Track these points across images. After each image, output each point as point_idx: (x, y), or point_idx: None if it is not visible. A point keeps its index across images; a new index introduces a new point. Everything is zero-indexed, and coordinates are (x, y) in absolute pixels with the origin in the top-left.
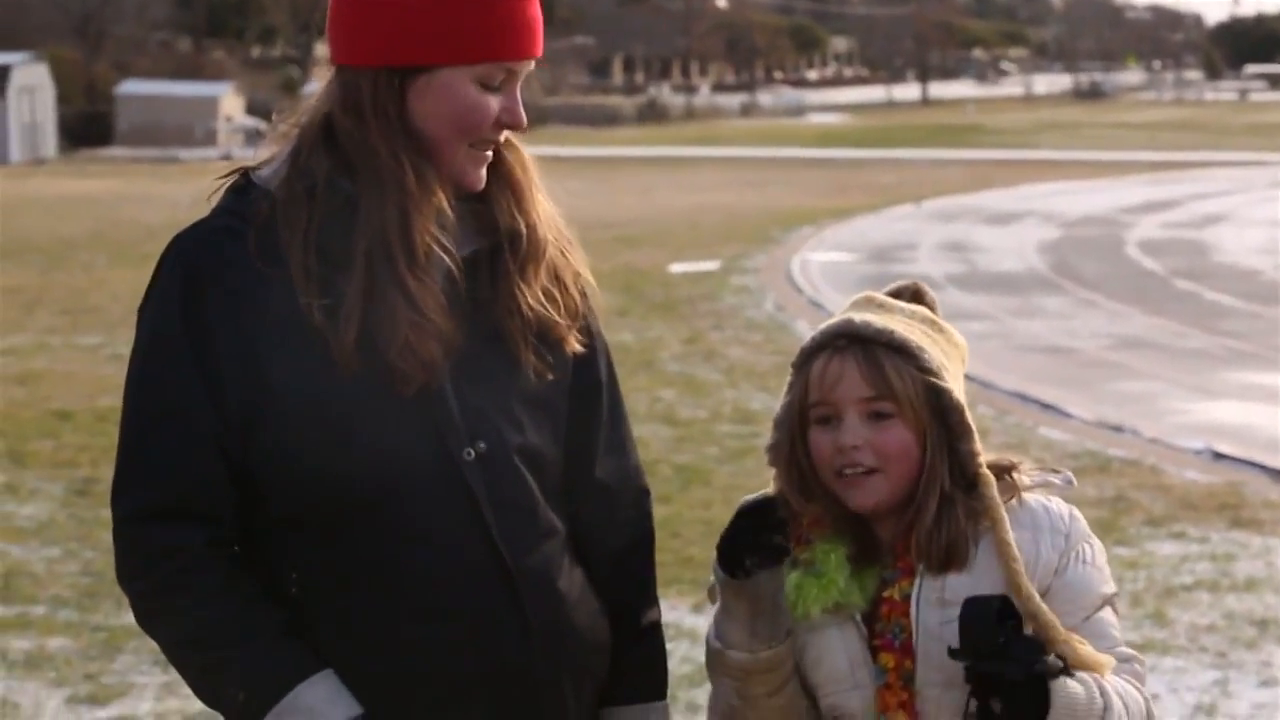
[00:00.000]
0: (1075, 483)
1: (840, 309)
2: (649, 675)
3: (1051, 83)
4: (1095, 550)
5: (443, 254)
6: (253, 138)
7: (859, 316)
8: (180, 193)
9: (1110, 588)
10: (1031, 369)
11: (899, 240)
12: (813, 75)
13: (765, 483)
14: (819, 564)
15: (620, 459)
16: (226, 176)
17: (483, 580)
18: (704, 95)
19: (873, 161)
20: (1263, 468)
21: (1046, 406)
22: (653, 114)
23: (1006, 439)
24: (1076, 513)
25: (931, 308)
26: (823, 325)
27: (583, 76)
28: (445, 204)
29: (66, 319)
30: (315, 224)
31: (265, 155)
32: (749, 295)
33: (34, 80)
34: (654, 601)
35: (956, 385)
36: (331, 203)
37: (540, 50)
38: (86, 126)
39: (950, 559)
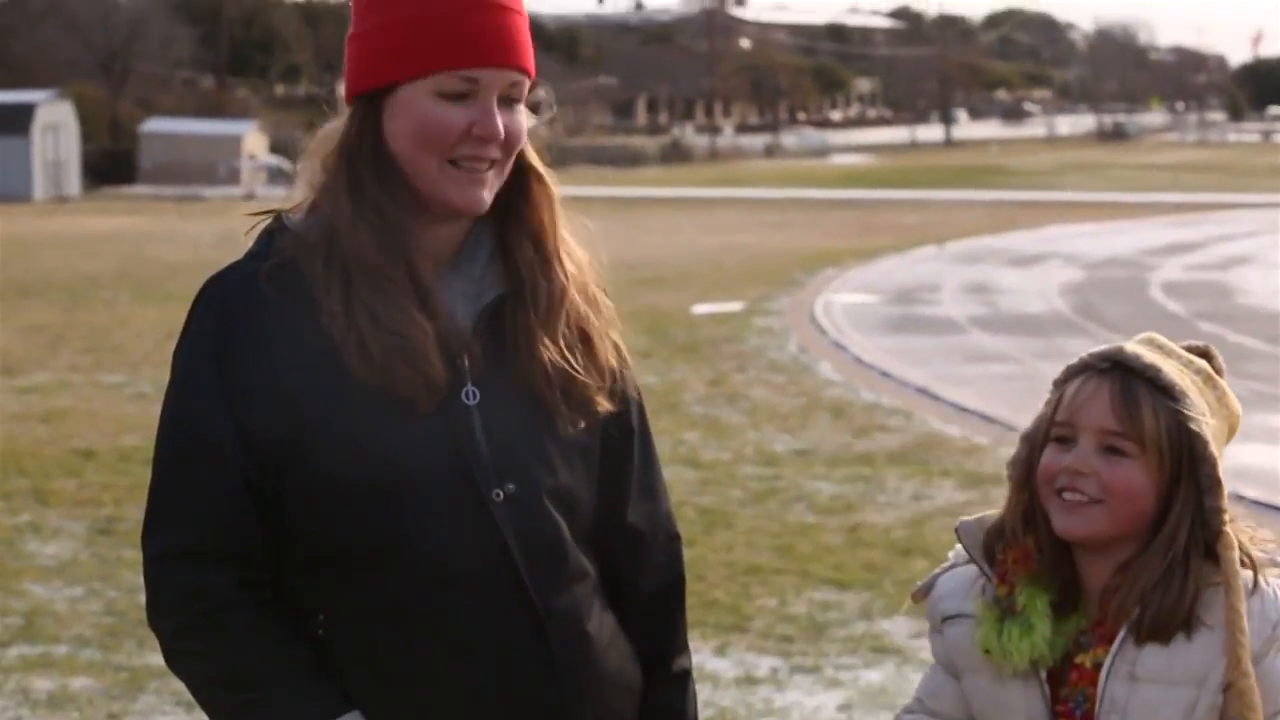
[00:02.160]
0: None
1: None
2: (674, 717)
3: (1075, 124)
4: None
5: (416, 276)
6: (276, 176)
7: (1131, 348)
8: (204, 231)
9: None
10: None
11: (923, 282)
12: (836, 116)
13: (788, 526)
14: (1025, 610)
15: (652, 504)
16: (259, 216)
17: (511, 621)
18: (727, 136)
19: (896, 202)
20: None
21: None
22: (676, 155)
23: None
24: None
25: (1218, 371)
26: (1097, 349)
27: (606, 117)
28: (406, 237)
29: (89, 357)
30: (338, 254)
31: (299, 197)
32: (772, 337)
33: (58, 118)
34: (685, 648)
35: (1215, 442)
36: (344, 235)
37: (513, 60)
38: (110, 164)
39: (1159, 627)
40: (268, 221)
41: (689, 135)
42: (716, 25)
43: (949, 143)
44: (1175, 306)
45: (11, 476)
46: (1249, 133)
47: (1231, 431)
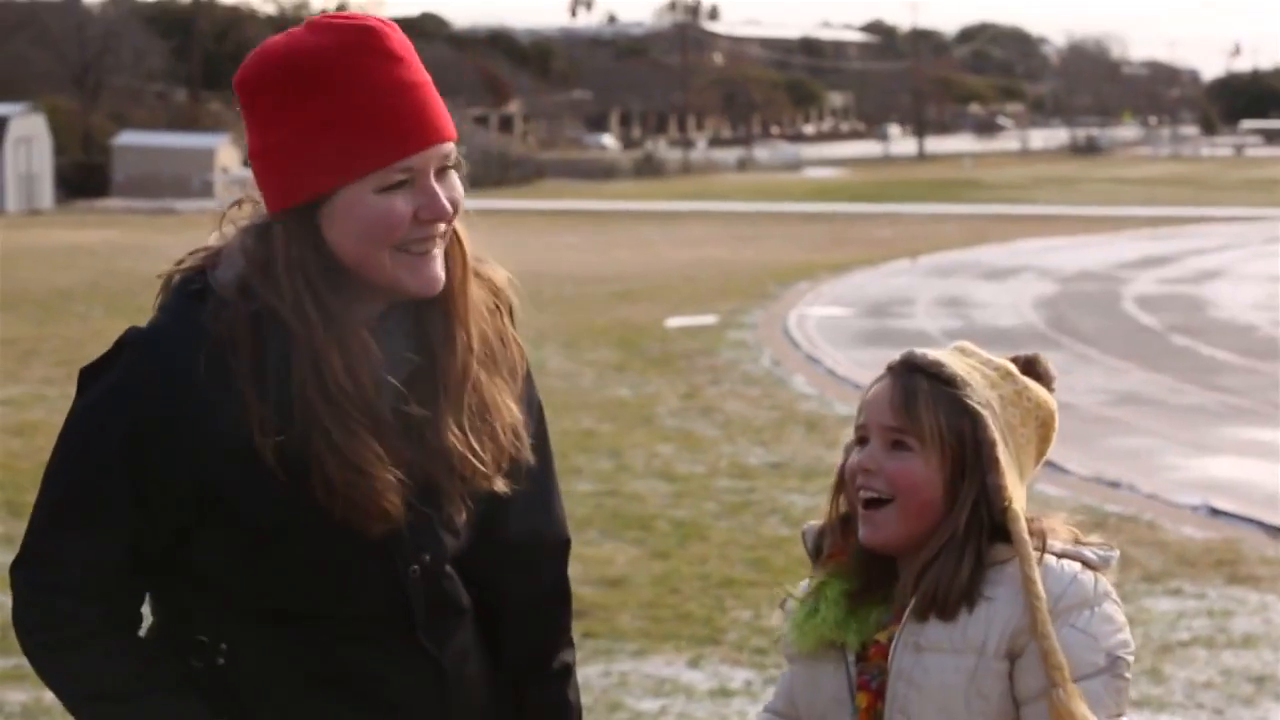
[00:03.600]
0: (1114, 562)
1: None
2: (559, 714)
3: (1048, 138)
4: (1095, 617)
5: (374, 391)
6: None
7: (922, 349)
8: (177, 244)
9: (1103, 659)
10: None
11: (896, 295)
12: (809, 130)
13: (762, 539)
14: (815, 599)
15: (543, 514)
16: (182, 268)
17: (419, 677)
18: (701, 150)
19: (869, 216)
20: (1260, 524)
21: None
22: (649, 168)
23: None
24: (1086, 578)
25: (1043, 375)
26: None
27: (580, 130)
28: (365, 344)
29: (63, 370)
30: (262, 355)
31: (218, 247)
32: (746, 350)
33: (31, 131)
34: (570, 644)
35: (1009, 433)
36: (275, 336)
37: (442, 135)
38: (83, 177)
39: (936, 602)
40: (187, 276)
41: (662, 149)
42: (689, 39)
43: (922, 156)
44: (1148, 319)
45: None
46: (1222, 147)
47: (1044, 427)
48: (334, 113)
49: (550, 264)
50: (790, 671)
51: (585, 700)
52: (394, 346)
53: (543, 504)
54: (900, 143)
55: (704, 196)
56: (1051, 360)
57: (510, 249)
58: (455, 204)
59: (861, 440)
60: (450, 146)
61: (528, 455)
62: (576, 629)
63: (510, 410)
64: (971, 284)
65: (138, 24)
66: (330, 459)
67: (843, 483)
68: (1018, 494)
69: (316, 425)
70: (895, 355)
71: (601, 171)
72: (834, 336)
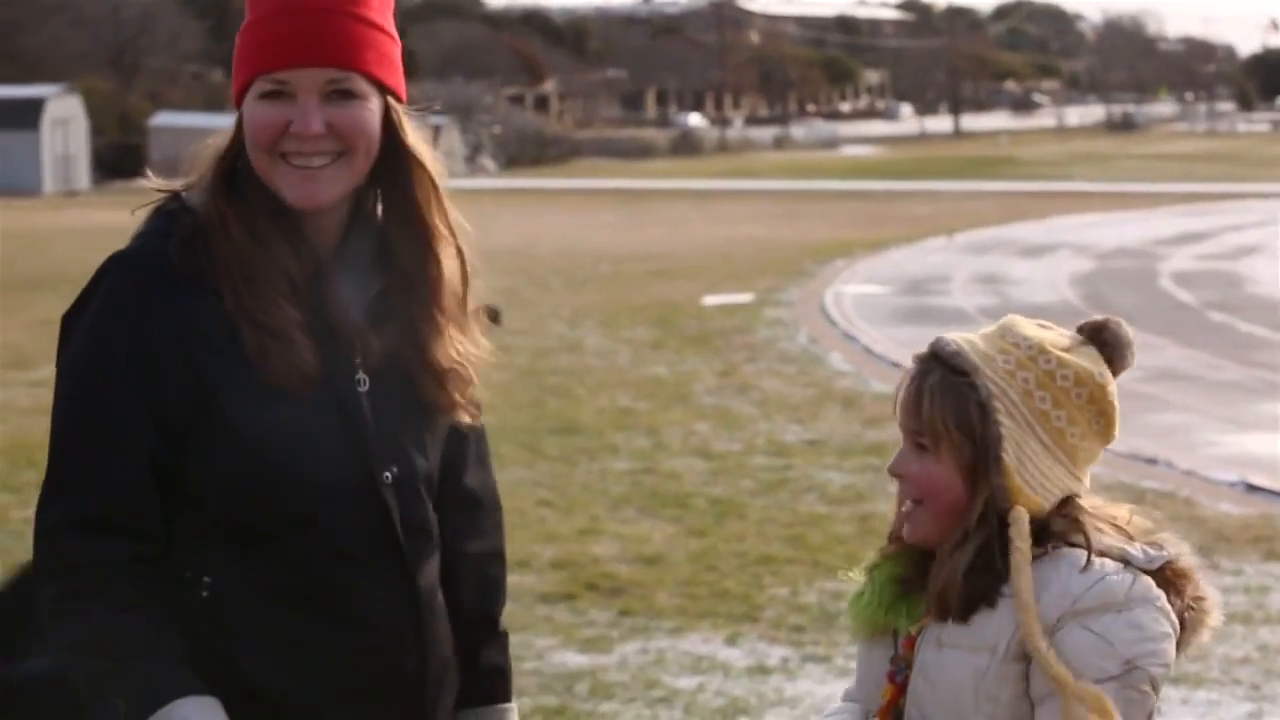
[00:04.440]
0: (1159, 564)
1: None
2: (503, 677)
3: (1084, 114)
4: (1118, 622)
5: (290, 276)
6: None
7: (953, 335)
8: None
9: (1116, 667)
10: None
11: (933, 273)
12: (845, 108)
13: (799, 516)
14: (869, 583)
15: (484, 473)
16: (161, 193)
17: (394, 595)
18: (737, 128)
19: (905, 194)
20: None
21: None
22: (685, 147)
23: None
24: (1117, 580)
25: (1107, 345)
26: None
27: (615, 109)
28: (273, 232)
29: None
30: (232, 249)
31: (194, 178)
32: (783, 328)
33: (67, 112)
34: (503, 607)
35: (1038, 420)
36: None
37: (325, 59)
38: (119, 158)
39: (940, 606)
40: (162, 201)
41: (698, 127)
42: (725, 17)
43: (958, 134)
44: (1185, 296)
45: (22, 469)
46: (1258, 123)
47: (1093, 401)
48: (247, 24)
49: (587, 242)
50: (861, 653)
51: (622, 677)
52: (358, 259)
53: (483, 461)
54: (934, 120)
55: (740, 175)
56: (1128, 325)
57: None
58: (343, 127)
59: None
60: (342, 74)
61: (476, 397)
62: (613, 606)
63: (477, 344)
64: (1008, 261)
65: (173, 5)
66: (250, 323)
67: None
68: (1060, 484)
69: (239, 299)
70: (927, 341)
71: (638, 150)
72: (871, 314)
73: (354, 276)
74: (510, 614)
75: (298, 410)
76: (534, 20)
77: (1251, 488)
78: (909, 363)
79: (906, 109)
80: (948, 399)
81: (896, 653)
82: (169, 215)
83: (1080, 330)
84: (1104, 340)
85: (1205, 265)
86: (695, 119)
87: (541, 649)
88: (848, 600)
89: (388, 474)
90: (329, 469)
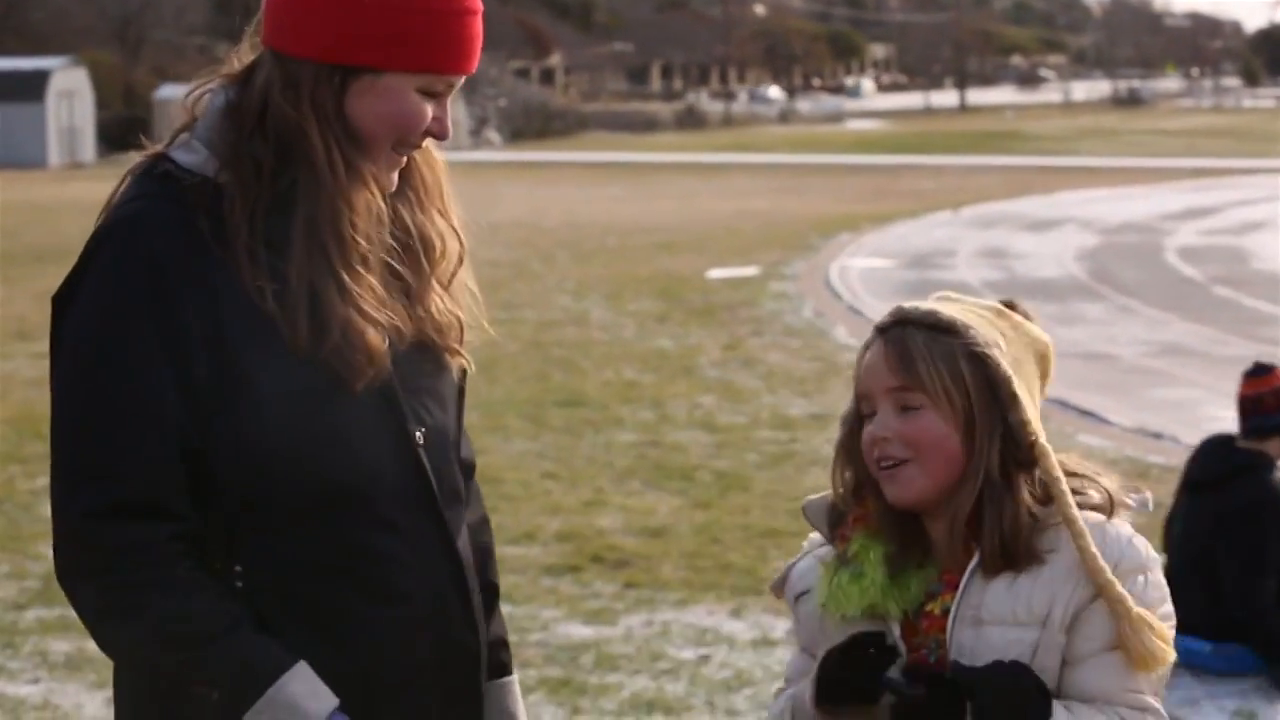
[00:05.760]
0: (1151, 505)
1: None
2: (506, 649)
3: (1090, 89)
4: (1149, 584)
5: (378, 246)
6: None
7: (912, 302)
8: None
9: None
10: (1071, 376)
11: (938, 247)
12: (851, 82)
13: (803, 489)
14: (859, 562)
15: (468, 442)
16: (147, 158)
17: (437, 563)
18: (742, 102)
19: (911, 168)
20: None
21: (1085, 413)
22: (691, 120)
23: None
24: (1140, 542)
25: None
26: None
27: (621, 83)
28: (378, 198)
29: None
30: (261, 209)
31: (180, 139)
32: (788, 301)
33: (73, 85)
34: (498, 576)
35: (1016, 366)
36: (276, 188)
37: (475, 68)
38: (125, 131)
39: (1010, 553)
40: (146, 164)
41: (704, 101)
42: None
43: (964, 108)
44: (1191, 271)
45: (29, 441)
46: (1264, 98)
47: (1043, 360)
48: (418, 4)
49: (592, 216)
50: (819, 650)
51: (627, 649)
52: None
53: (465, 431)
54: (940, 95)
55: (745, 148)
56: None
57: (553, 201)
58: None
59: (870, 413)
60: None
61: (466, 340)
62: (618, 578)
63: (473, 299)
64: (1013, 235)
65: None
66: (336, 298)
67: (846, 455)
68: (1040, 429)
69: (325, 268)
70: (882, 316)
71: (643, 124)
72: (876, 288)
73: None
74: (515, 586)
75: (323, 372)
76: None
77: None
78: (869, 335)
79: (868, 84)
80: (939, 353)
81: (916, 635)
82: (160, 178)
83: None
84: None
85: (1211, 240)
86: (775, 91)
87: (546, 620)
88: (831, 584)
89: (419, 434)
90: (371, 439)
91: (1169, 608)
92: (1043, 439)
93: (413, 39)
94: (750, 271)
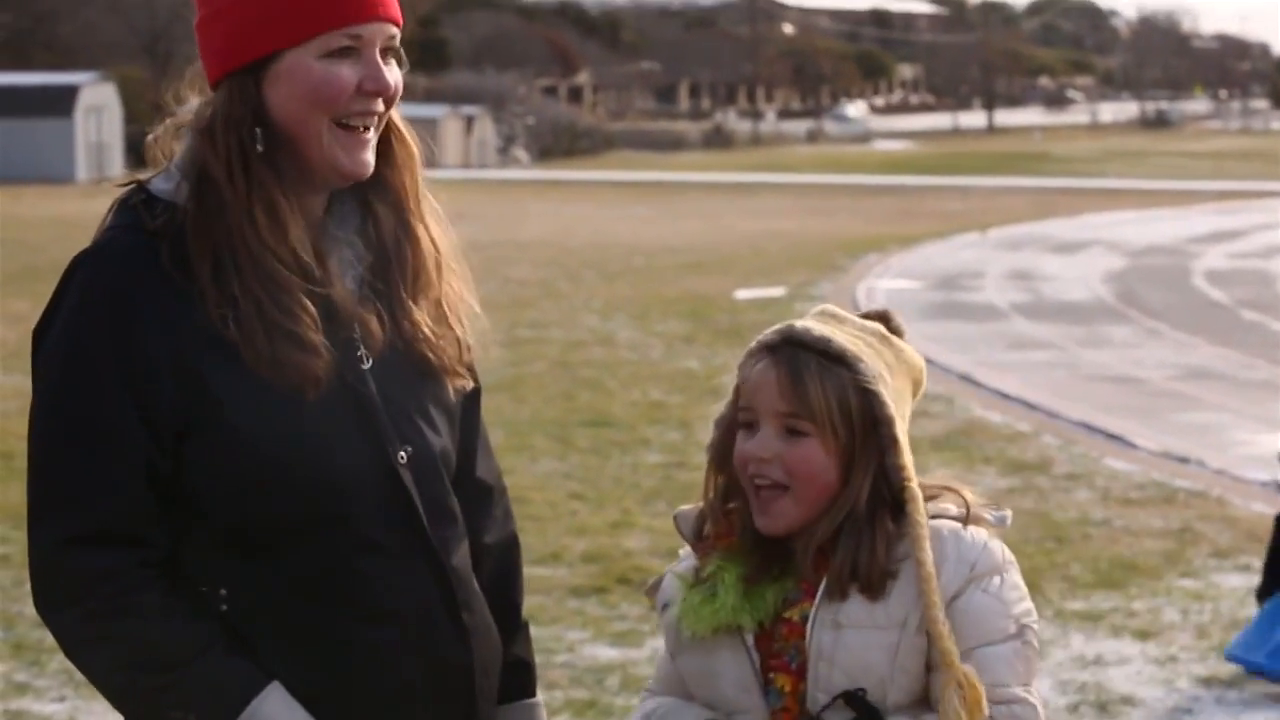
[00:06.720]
0: (1009, 522)
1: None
2: (530, 671)
3: (1118, 111)
4: (1005, 584)
5: (304, 263)
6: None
7: (802, 323)
8: None
9: (1013, 626)
10: (1097, 399)
11: (965, 268)
12: (879, 102)
13: None
14: (714, 582)
15: (491, 460)
16: (124, 187)
17: (423, 583)
18: (770, 121)
19: (939, 189)
20: None
21: (1112, 437)
22: (718, 140)
23: (1072, 469)
24: (995, 545)
25: (896, 331)
26: (772, 327)
27: (649, 101)
28: (286, 210)
29: None
30: (221, 238)
31: (157, 168)
32: None
33: (101, 100)
34: (523, 597)
35: (897, 401)
36: (215, 211)
37: (390, 13)
38: None
39: (853, 580)
40: (125, 194)
41: (731, 120)
42: (759, 10)
43: (991, 129)
44: (1218, 294)
45: None
46: None
47: (916, 385)
48: None
49: (619, 235)
50: (677, 660)
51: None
52: (347, 236)
53: (488, 449)
54: (968, 115)
55: (773, 168)
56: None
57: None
58: (397, 87)
59: (747, 425)
60: (395, 30)
61: (472, 361)
62: (645, 600)
63: (461, 314)
64: (1041, 257)
65: None
66: (259, 322)
67: (719, 461)
68: (913, 474)
69: (248, 293)
70: (769, 332)
71: (670, 143)
72: (903, 309)
73: (345, 251)
74: (541, 607)
75: (306, 402)
76: (568, 11)
77: None
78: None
79: (856, 109)
80: (830, 383)
81: (776, 642)
82: (134, 208)
83: (868, 316)
84: (894, 329)
85: (1238, 264)
86: (855, 109)
87: (572, 642)
88: (683, 605)
89: (402, 454)
90: (346, 458)
91: (1026, 605)
92: (914, 484)
93: (280, 10)
94: (777, 292)
